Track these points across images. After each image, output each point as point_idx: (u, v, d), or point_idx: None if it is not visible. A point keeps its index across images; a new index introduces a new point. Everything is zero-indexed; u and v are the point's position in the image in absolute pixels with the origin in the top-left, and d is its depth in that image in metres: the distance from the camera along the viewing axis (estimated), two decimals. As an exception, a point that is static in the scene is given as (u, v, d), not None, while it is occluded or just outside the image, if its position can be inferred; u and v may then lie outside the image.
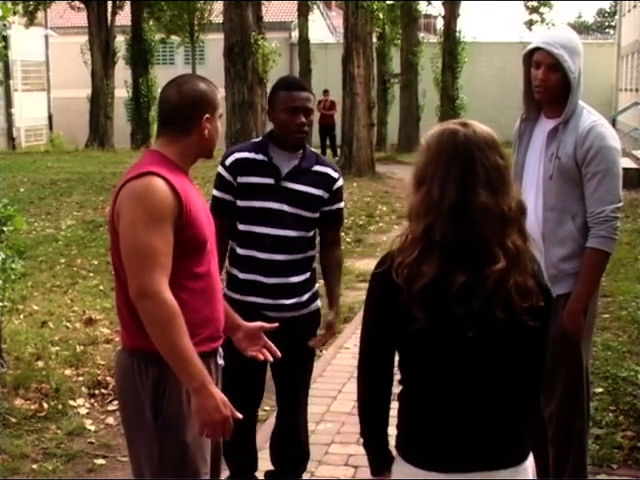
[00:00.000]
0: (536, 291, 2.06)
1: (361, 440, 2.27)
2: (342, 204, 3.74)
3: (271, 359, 3.06)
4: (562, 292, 3.33)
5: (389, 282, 2.07)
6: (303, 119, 3.50)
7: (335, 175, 3.66)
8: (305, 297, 3.66)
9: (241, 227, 3.57)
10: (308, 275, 3.67)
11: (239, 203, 3.55)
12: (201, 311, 2.67)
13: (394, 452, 2.23)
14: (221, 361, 2.84)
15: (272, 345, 3.05)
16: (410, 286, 2.03)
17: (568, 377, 3.42)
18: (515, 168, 3.48)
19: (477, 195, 2.03)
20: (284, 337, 3.65)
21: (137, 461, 2.74)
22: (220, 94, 2.87)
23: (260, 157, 3.54)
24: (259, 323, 3.07)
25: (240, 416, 2.61)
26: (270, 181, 3.53)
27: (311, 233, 3.64)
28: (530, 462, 2.19)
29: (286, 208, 3.53)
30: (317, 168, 3.62)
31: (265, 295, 3.57)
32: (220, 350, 2.82)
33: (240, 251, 3.61)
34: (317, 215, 3.61)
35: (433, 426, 2.12)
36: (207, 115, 2.68)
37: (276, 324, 3.13)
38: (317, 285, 3.79)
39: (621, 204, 3.39)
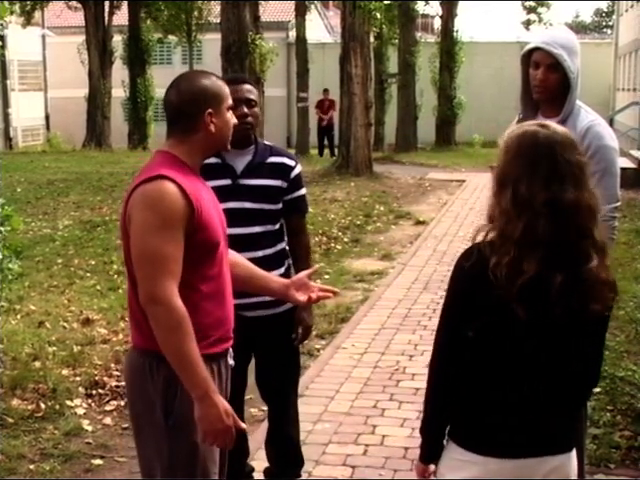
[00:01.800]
0: (613, 283, 2.15)
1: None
2: (303, 191, 3.72)
3: (331, 295, 3.06)
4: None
5: (478, 277, 2.11)
6: (245, 110, 3.48)
7: (291, 163, 3.65)
8: None
9: None
10: (282, 270, 3.63)
11: None
12: (213, 313, 2.66)
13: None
14: (231, 361, 2.83)
15: (324, 286, 3.08)
16: (509, 284, 2.06)
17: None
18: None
19: (565, 192, 2.08)
20: (265, 336, 3.62)
21: (146, 460, 2.74)
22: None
23: (213, 160, 3.44)
24: (302, 272, 3.07)
25: (244, 426, 2.61)
26: (227, 182, 3.51)
27: (277, 226, 3.63)
28: (574, 451, 2.26)
29: (248, 205, 3.52)
30: (272, 160, 3.60)
31: (240, 295, 3.56)
32: (230, 350, 2.81)
33: None
34: (280, 206, 3.61)
35: (495, 413, 2.18)
36: (210, 110, 2.64)
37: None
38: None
39: (619, 204, 3.40)
